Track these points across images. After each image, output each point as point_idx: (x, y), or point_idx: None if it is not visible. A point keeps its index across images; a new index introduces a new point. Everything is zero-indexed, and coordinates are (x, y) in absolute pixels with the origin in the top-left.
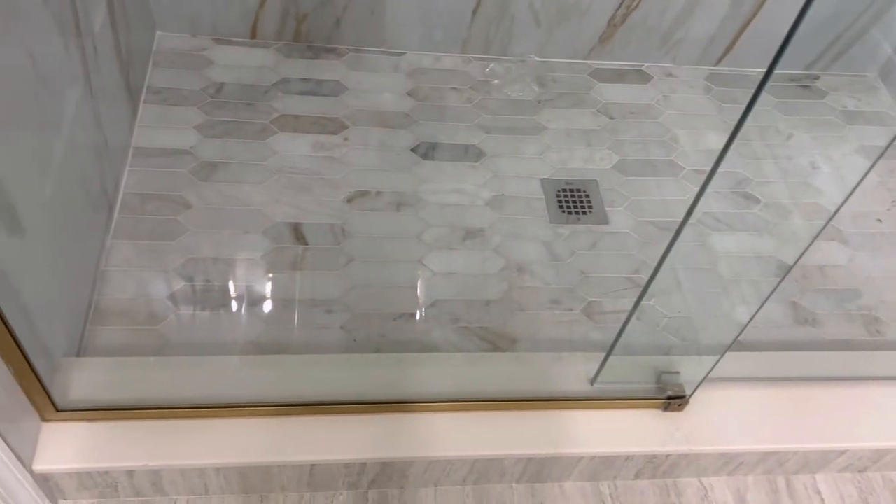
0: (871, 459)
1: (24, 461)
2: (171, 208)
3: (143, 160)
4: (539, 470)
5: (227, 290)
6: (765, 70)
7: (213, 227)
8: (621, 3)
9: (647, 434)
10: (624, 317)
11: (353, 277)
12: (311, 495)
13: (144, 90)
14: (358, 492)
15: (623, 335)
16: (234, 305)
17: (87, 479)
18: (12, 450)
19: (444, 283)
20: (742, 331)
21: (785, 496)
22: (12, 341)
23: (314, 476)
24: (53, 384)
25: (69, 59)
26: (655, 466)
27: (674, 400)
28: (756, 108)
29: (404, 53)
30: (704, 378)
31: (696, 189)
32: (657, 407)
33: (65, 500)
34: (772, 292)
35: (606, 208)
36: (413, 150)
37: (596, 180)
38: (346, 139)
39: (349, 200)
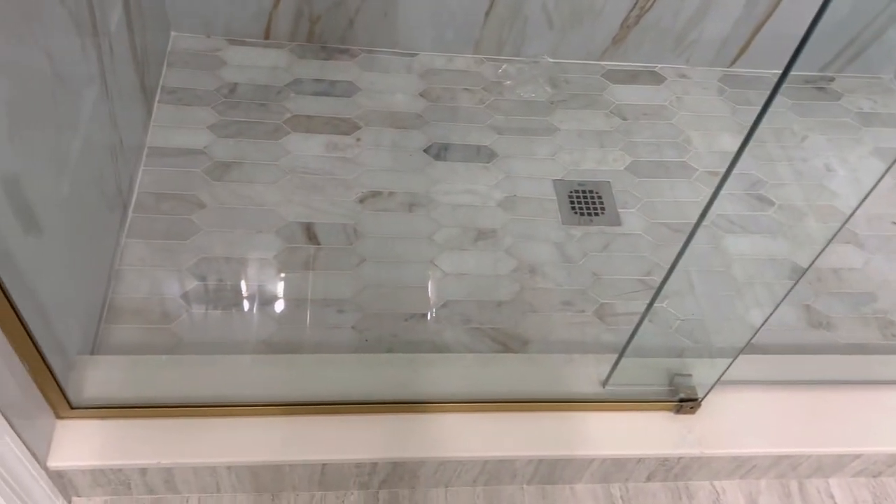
0: (885, 464)
1: (39, 458)
2: (184, 208)
3: (157, 160)
4: (550, 471)
5: (240, 290)
6: (779, 72)
7: (226, 227)
8: (635, 5)
9: (659, 436)
10: (636, 319)
11: (365, 277)
12: (322, 494)
13: (159, 90)
14: (369, 492)
15: (635, 337)
16: (247, 305)
17: (101, 477)
18: (27, 446)
19: (456, 284)
20: (755, 334)
21: (798, 500)
22: (28, 338)
23: (325, 475)
24: (68, 381)
25: (86, 59)
26: (667, 469)
27: (686, 402)
28: (771, 109)
29: (417, 54)
30: (717, 381)
31: (709, 191)
32: (669, 409)
33: (78, 496)
34: (786, 295)
35: (619, 210)
36: (425, 150)
37: (608, 181)
38: (358, 140)
39: (361, 201)
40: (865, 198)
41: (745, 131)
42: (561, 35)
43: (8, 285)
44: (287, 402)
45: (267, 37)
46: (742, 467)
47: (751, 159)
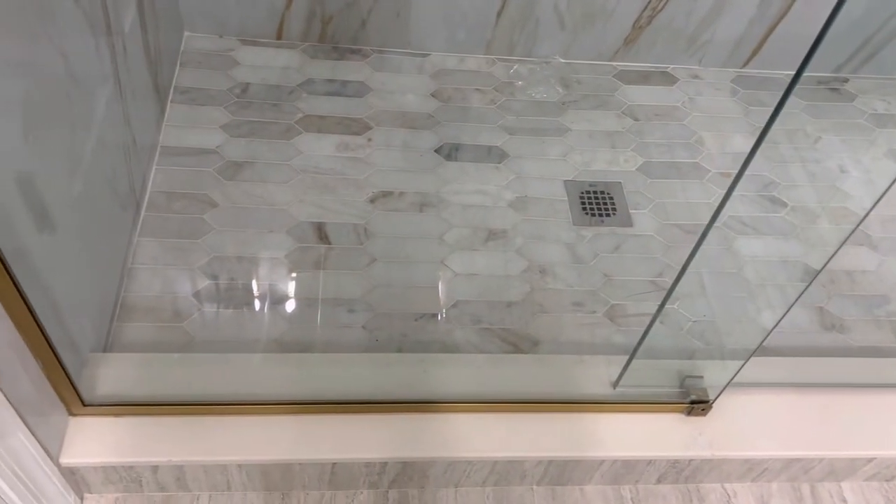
0: None
1: (52, 454)
2: (196, 207)
3: (170, 159)
4: (560, 473)
5: (251, 289)
6: (792, 73)
7: (238, 226)
8: (647, 5)
9: (670, 438)
10: (647, 320)
11: (376, 277)
12: (332, 494)
13: (172, 90)
14: (378, 491)
15: (646, 338)
16: (258, 304)
17: (113, 474)
18: (40, 443)
19: (466, 284)
20: (767, 336)
21: None
22: (42, 336)
23: (335, 475)
24: (81, 379)
25: (99, 59)
26: (678, 471)
27: (697, 404)
28: (784, 110)
29: (428, 55)
30: (728, 383)
31: (722, 192)
32: (680, 411)
33: (90, 493)
34: (798, 297)
35: (630, 211)
36: (436, 150)
37: (620, 182)
38: (369, 140)
39: (372, 201)
40: (879, 199)
41: (758, 132)
42: (572, 35)
43: (22, 283)
44: (297, 401)
45: (279, 37)
46: (753, 470)
47: (763, 160)
